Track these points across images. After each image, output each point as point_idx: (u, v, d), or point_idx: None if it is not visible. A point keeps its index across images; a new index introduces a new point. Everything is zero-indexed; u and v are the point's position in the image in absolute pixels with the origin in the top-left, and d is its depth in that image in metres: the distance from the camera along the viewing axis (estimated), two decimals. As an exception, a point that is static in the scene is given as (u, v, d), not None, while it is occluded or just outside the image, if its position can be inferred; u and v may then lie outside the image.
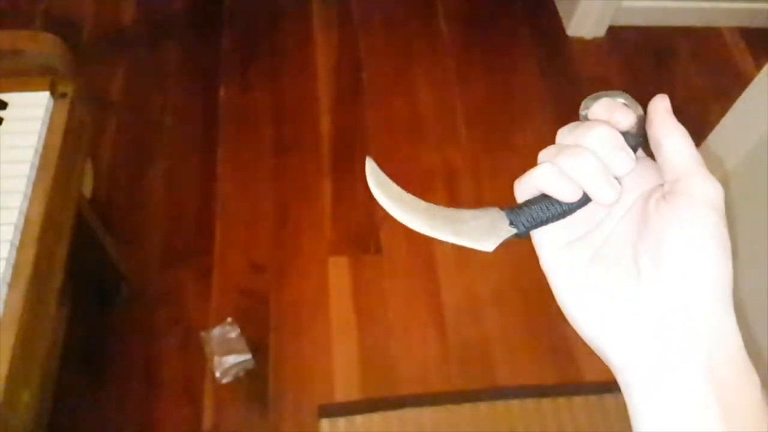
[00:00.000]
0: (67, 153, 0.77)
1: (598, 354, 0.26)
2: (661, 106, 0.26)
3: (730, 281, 0.23)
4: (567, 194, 0.26)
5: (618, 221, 0.27)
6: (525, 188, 0.28)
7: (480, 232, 0.27)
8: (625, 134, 0.27)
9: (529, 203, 0.28)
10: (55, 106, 0.78)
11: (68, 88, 0.79)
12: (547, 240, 0.28)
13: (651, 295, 0.24)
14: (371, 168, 0.29)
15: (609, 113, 0.27)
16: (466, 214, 0.28)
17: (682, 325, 0.23)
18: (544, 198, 0.28)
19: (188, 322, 1.23)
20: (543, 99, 1.63)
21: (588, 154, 0.25)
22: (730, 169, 1.07)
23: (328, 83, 1.61)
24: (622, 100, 0.28)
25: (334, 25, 1.73)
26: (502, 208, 0.28)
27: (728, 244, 0.24)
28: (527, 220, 0.28)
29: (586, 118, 0.29)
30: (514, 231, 0.28)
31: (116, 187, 1.40)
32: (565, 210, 0.27)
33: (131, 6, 1.72)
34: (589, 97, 0.29)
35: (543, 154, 0.28)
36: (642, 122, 0.27)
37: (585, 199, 0.27)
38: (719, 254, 0.23)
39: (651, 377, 0.23)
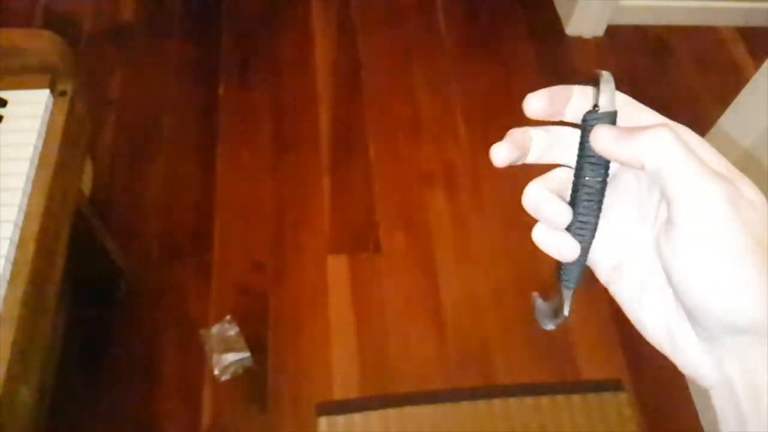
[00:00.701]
0: (67, 151, 0.77)
1: (690, 375, 0.24)
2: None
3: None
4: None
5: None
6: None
7: (546, 311, 0.28)
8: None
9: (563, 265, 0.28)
10: (54, 104, 0.78)
11: (68, 86, 0.79)
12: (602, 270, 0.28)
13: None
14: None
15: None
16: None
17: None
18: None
19: (187, 320, 1.24)
20: (542, 98, 1.63)
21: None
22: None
23: (327, 82, 1.61)
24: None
25: (333, 24, 1.73)
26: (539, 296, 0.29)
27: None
28: (573, 274, 0.27)
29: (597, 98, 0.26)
30: (571, 292, 0.28)
31: (115, 185, 1.41)
32: (595, 208, 0.26)
33: (131, 3, 1.72)
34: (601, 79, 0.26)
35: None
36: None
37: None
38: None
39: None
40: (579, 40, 1.77)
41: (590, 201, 0.25)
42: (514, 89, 1.65)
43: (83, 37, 1.64)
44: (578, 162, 0.26)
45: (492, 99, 1.62)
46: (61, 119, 0.76)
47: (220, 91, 1.56)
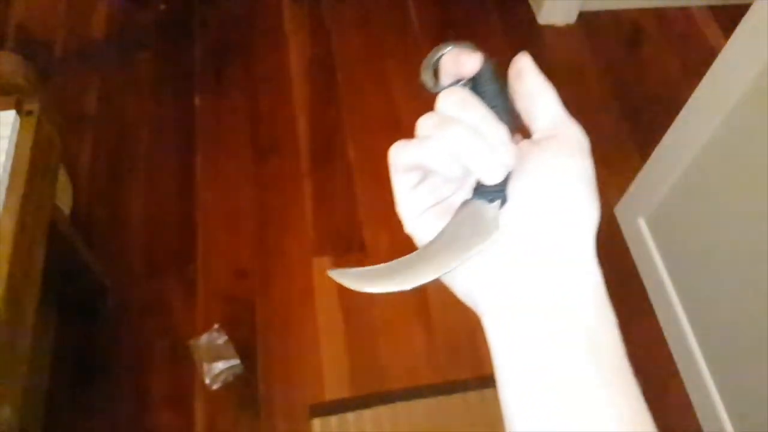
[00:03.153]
0: (37, 169, 0.78)
1: (469, 304, 0.26)
2: (529, 63, 0.27)
3: (597, 222, 0.24)
4: (454, 171, 0.25)
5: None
6: (407, 161, 0.26)
7: (473, 232, 0.25)
8: (476, 80, 0.26)
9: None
10: (21, 123, 0.78)
11: (34, 106, 0.79)
12: (413, 207, 0.27)
13: (523, 232, 0.25)
14: (337, 275, 0.27)
15: (456, 61, 0.26)
16: (443, 231, 0.26)
17: (554, 262, 0.24)
18: None
19: (175, 331, 1.24)
20: (518, 88, 1.64)
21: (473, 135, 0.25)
22: (704, 144, 1.08)
23: (302, 84, 1.61)
24: (467, 47, 0.27)
25: (305, 27, 1.73)
26: (466, 201, 0.26)
27: (596, 185, 0.25)
28: (498, 183, 0.26)
29: (433, 70, 0.28)
30: (497, 203, 0.26)
31: (96, 201, 1.41)
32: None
33: (102, 20, 1.72)
34: (432, 51, 0.28)
35: (424, 127, 0.26)
36: (489, 70, 0.27)
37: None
38: (590, 194, 0.25)
39: (523, 314, 0.24)
40: (552, 29, 1.78)
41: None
42: (490, 81, 1.65)
43: (56, 56, 1.64)
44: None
45: (468, 92, 1.63)
46: (28, 139, 0.77)
47: (196, 101, 1.57)
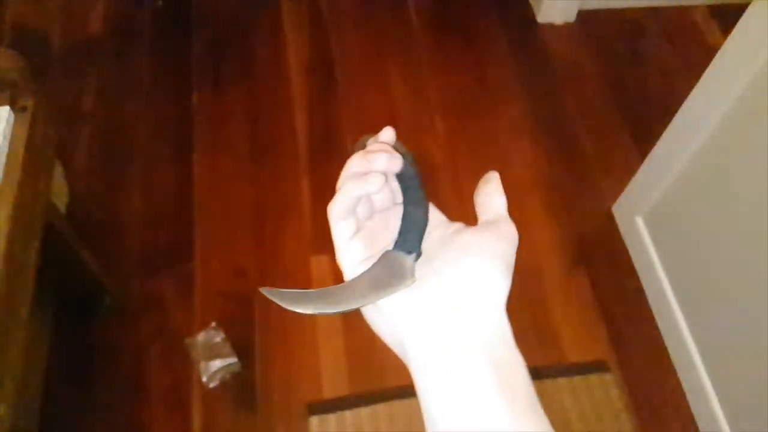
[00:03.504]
0: (31, 166, 0.77)
1: (399, 355, 0.30)
2: (497, 176, 0.34)
3: (507, 291, 0.30)
4: (376, 184, 0.31)
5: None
6: (344, 204, 0.32)
7: (392, 275, 0.30)
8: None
9: (402, 227, 0.32)
10: (16, 120, 0.78)
11: (29, 102, 0.79)
12: (351, 257, 0.32)
13: (447, 293, 0.29)
14: (269, 294, 0.31)
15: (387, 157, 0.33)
16: (367, 272, 0.31)
17: (469, 309, 0.28)
18: (404, 214, 0.32)
19: (172, 330, 1.24)
20: (517, 87, 1.63)
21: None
22: (702, 142, 1.08)
23: (301, 82, 1.61)
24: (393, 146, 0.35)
25: (304, 23, 1.73)
26: (388, 251, 0.31)
27: (512, 268, 0.30)
28: (413, 238, 0.31)
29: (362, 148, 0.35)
30: (413, 255, 0.31)
31: (93, 199, 1.40)
32: (423, 204, 0.32)
33: (99, 16, 1.71)
34: (362, 139, 0.36)
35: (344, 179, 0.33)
36: (409, 161, 0.34)
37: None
38: (506, 271, 0.30)
39: (441, 360, 0.27)
40: (551, 27, 1.77)
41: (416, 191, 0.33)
42: (488, 79, 1.65)
43: (53, 52, 1.63)
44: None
45: (467, 91, 1.63)
46: (23, 135, 0.76)
47: (194, 98, 1.56)
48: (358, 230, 0.33)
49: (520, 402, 0.27)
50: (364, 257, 0.32)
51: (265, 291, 0.30)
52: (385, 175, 0.32)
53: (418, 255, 0.31)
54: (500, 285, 0.29)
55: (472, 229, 0.32)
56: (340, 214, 0.32)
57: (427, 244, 0.32)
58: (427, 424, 0.27)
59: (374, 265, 0.31)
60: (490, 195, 0.33)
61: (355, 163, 0.32)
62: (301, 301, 0.30)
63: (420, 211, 0.32)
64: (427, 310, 0.29)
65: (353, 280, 0.31)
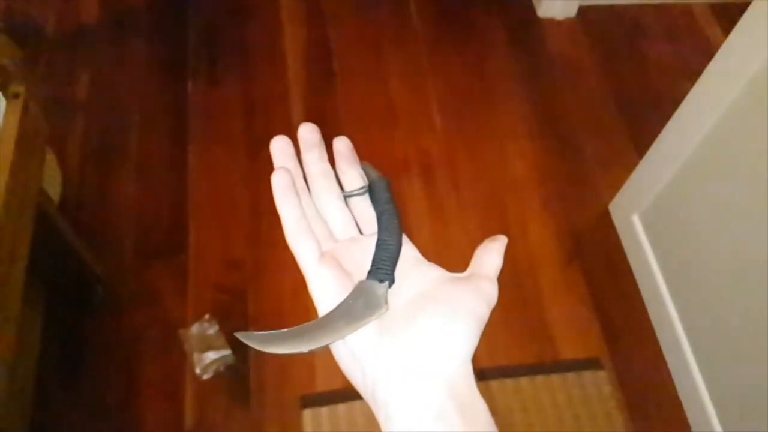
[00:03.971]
0: (23, 153, 0.76)
1: (370, 403, 0.30)
2: (504, 239, 0.35)
3: (472, 351, 0.30)
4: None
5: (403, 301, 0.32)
6: (289, 225, 0.34)
7: (366, 306, 0.30)
8: (372, 191, 0.35)
9: (376, 255, 0.32)
10: (8, 106, 0.76)
11: (20, 89, 0.78)
12: (319, 287, 0.33)
13: (417, 338, 0.29)
14: (243, 337, 0.31)
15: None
16: (341, 305, 0.31)
17: (437, 364, 0.29)
18: (378, 242, 0.33)
19: (166, 321, 1.23)
20: (516, 82, 1.63)
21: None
22: (701, 141, 1.08)
23: (298, 74, 1.60)
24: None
25: (301, 14, 1.71)
26: (361, 281, 0.32)
27: (482, 330, 0.31)
28: (386, 266, 0.32)
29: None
30: (386, 284, 0.31)
31: (87, 189, 1.39)
32: (397, 232, 0.33)
33: (94, 4, 1.69)
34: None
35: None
36: (384, 186, 0.35)
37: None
38: (478, 333, 0.30)
39: (406, 396, 0.28)
40: (551, 23, 1.76)
41: (391, 219, 0.34)
42: (487, 74, 1.64)
43: (47, 41, 1.61)
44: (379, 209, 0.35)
45: (466, 85, 1.62)
46: (14, 122, 0.75)
47: (189, 88, 1.55)
48: (322, 254, 0.33)
49: None
50: (334, 284, 0.32)
51: (239, 335, 0.31)
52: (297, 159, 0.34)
53: (391, 282, 0.31)
54: (469, 341, 0.30)
55: (453, 282, 0.32)
56: (292, 236, 0.33)
57: (401, 281, 0.32)
58: None
59: (348, 297, 0.31)
60: (490, 253, 0.34)
61: (273, 183, 0.34)
62: (275, 342, 0.30)
63: (393, 238, 0.33)
64: (393, 348, 0.29)
65: (326, 315, 0.31)
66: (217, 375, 1.18)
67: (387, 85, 1.60)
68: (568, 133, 1.55)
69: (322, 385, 1.17)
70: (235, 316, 1.24)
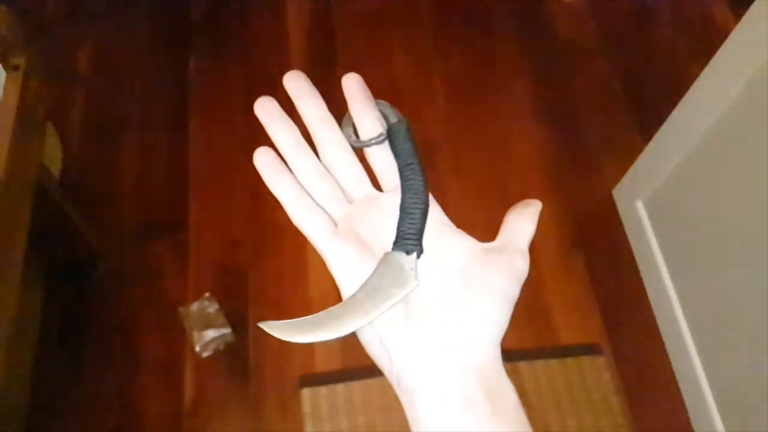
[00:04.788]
0: (23, 126, 0.75)
1: (393, 385, 0.29)
2: (538, 205, 0.31)
3: (503, 330, 0.28)
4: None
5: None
6: (289, 204, 0.32)
7: (394, 283, 0.28)
8: (391, 137, 0.32)
9: (400, 224, 0.29)
10: (7, 78, 0.75)
11: (20, 61, 0.76)
12: (337, 263, 0.30)
13: (444, 320, 0.28)
14: (268, 327, 0.29)
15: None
16: (365, 285, 0.28)
17: (464, 348, 0.28)
18: (402, 207, 0.29)
19: (166, 299, 1.23)
20: (522, 64, 1.60)
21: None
22: (708, 127, 1.06)
23: (301, 52, 1.57)
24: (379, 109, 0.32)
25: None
26: (386, 254, 0.29)
27: (512, 307, 0.29)
28: (413, 236, 0.29)
29: (353, 125, 0.33)
30: (414, 255, 0.28)
31: (88, 164, 1.38)
32: (423, 193, 0.29)
33: (96, -24, 1.66)
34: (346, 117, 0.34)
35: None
36: (404, 129, 0.32)
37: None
38: (508, 313, 0.28)
39: (432, 381, 0.27)
40: (560, 4, 1.73)
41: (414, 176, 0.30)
42: (493, 56, 1.62)
43: (48, 13, 1.59)
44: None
45: (471, 66, 1.59)
46: (15, 94, 0.74)
47: (191, 64, 1.53)
48: (335, 227, 0.30)
49: (511, 427, 0.27)
50: (354, 260, 0.29)
51: (263, 325, 0.29)
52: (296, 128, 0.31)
53: (420, 253, 0.29)
54: (499, 323, 0.28)
55: (484, 258, 0.29)
56: (296, 217, 0.30)
57: (427, 251, 0.29)
58: None
59: (372, 274, 0.28)
60: (523, 218, 0.31)
61: (257, 166, 0.31)
62: (301, 331, 0.29)
63: (420, 200, 0.29)
64: (421, 333, 0.28)
65: (351, 297, 0.29)
66: (216, 353, 1.18)
67: (390, 62, 1.57)
68: (573, 115, 1.54)
69: (321, 365, 1.18)
70: (235, 295, 1.24)
